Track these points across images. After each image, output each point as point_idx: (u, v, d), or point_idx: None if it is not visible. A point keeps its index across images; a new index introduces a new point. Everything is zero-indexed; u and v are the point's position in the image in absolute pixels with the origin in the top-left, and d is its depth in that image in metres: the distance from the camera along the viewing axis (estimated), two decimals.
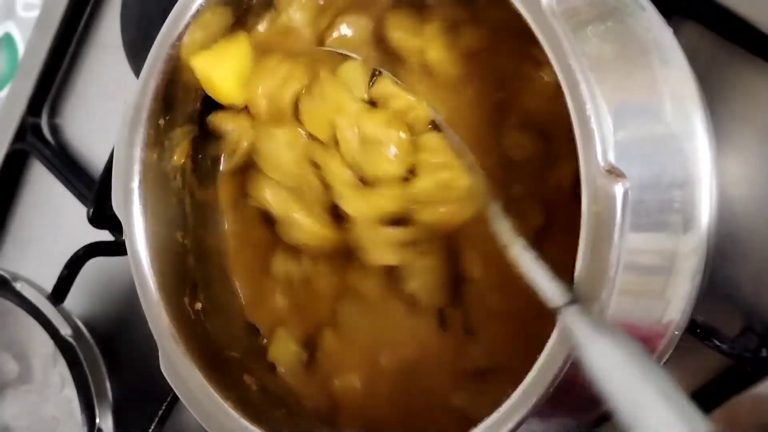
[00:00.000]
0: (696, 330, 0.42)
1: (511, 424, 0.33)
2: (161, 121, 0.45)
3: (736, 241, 0.44)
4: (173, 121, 0.45)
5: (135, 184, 0.44)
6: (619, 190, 0.31)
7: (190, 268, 0.47)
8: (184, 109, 0.46)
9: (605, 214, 0.31)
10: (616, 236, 0.31)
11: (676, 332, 0.37)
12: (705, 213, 0.36)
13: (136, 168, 0.44)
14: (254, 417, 0.41)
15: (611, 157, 0.31)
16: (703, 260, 0.36)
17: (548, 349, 0.32)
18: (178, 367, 0.42)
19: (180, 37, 0.43)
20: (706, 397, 0.44)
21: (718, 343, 0.42)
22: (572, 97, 0.32)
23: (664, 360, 0.38)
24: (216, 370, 0.43)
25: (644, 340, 0.36)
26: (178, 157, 0.46)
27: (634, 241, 0.32)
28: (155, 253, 0.44)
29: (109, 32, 0.68)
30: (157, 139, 0.45)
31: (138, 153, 0.44)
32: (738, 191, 0.44)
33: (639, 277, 0.34)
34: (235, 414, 0.41)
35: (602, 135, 0.31)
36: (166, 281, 0.44)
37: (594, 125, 0.31)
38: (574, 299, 0.32)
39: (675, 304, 0.36)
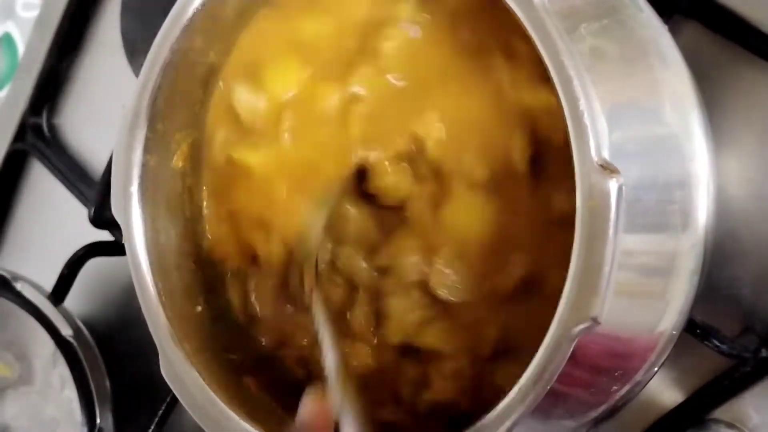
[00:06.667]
0: (695, 330, 0.42)
1: (508, 423, 0.33)
2: (160, 125, 0.45)
3: (736, 241, 0.44)
4: (172, 124, 0.45)
5: (134, 188, 0.44)
6: (613, 185, 0.30)
7: (190, 272, 0.47)
8: (183, 113, 0.46)
9: (600, 210, 0.31)
10: (611, 232, 0.31)
11: (674, 332, 0.37)
12: (703, 213, 0.36)
13: (135, 172, 0.44)
14: (255, 419, 0.41)
15: (605, 153, 0.31)
16: (702, 260, 0.36)
17: (544, 347, 0.32)
18: (178, 370, 0.42)
19: (179, 39, 0.43)
20: (706, 397, 0.44)
21: (717, 343, 0.42)
22: (565, 94, 0.31)
23: (663, 361, 0.38)
24: (216, 372, 0.43)
25: (643, 341, 0.36)
26: (177, 160, 0.46)
27: (631, 241, 0.32)
28: (155, 257, 0.44)
29: (109, 32, 0.68)
30: (157, 143, 0.45)
31: (137, 157, 0.44)
32: (737, 191, 0.44)
33: (637, 278, 0.34)
34: (235, 416, 0.41)
35: (596, 131, 0.31)
36: (166, 284, 0.44)
37: (587, 121, 0.31)
38: None
39: (673, 304, 0.36)
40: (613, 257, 0.31)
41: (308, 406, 0.37)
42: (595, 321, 0.31)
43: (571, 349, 0.31)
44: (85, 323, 0.61)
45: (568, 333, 0.31)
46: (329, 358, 0.39)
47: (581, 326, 0.31)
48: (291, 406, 0.45)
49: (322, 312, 0.41)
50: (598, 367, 0.35)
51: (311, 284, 0.42)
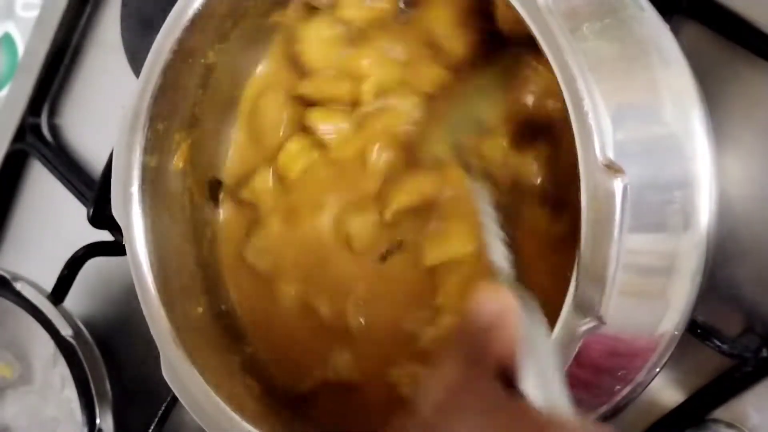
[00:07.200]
0: (696, 330, 0.42)
1: None
2: (160, 126, 0.45)
3: (737, 241, 0.43)
4: (172, 125, 0.45)
5: (134, 188, 0.44)
6: (618, 185, 0.31)
7: (190, 272, 0.47)
8: (183, 113, 0.46)
9: (604, 209, 0.31)
10: (615, 232, 0.31)
11: (676, 332, 0.37)
12: (705, 213, 0.36)
13: (136, 173, 0.44)
14: (256, 420, 0.41)
15: (610, 153, 0.31)
16: (703, 260, 0.36)
17: None
18: (179, 370, 0.42)
19: (179, 39, 0.43)
20: (707, 397, 0.44)
21: (718, 343, 0.42)
22: (569, 93, 0.32)
23: (664, 361, 0.38)
24: (216, 372, 0.43)
25: (645, 341, 0.36)
26: (177, 161, 0.46)
27: (634, 241, 0.32)
28: (155, 258, 0.44)
29: (109, 32, 0.68)
30: (157, 144, 0.45)
31: (137, 158, 0.44)
32: (738, 191, 0.44)
33: (639, 278, 0.34)
34: (235, 416, 0.41)
35: (600, 130, 0.31)
36: (167, 285, 0.44)
37: (592, 121, 0.31)
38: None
39: (675, 304, 0.36)
40: (618, 257, 0.31)
41: (489, 302, 0.29)
42: (600, 320, 0.31)
43: (577, 349, 0.31)
44: (85, 323, 0.61)
45: (573, 332, 0.31)
46: (498, 251, 0.35)
47: (586, 326, 0.31)
48: (291, 405, 0.45)
49: (487, 203, 0.38)
50: (601, 367, 0.35)
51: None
